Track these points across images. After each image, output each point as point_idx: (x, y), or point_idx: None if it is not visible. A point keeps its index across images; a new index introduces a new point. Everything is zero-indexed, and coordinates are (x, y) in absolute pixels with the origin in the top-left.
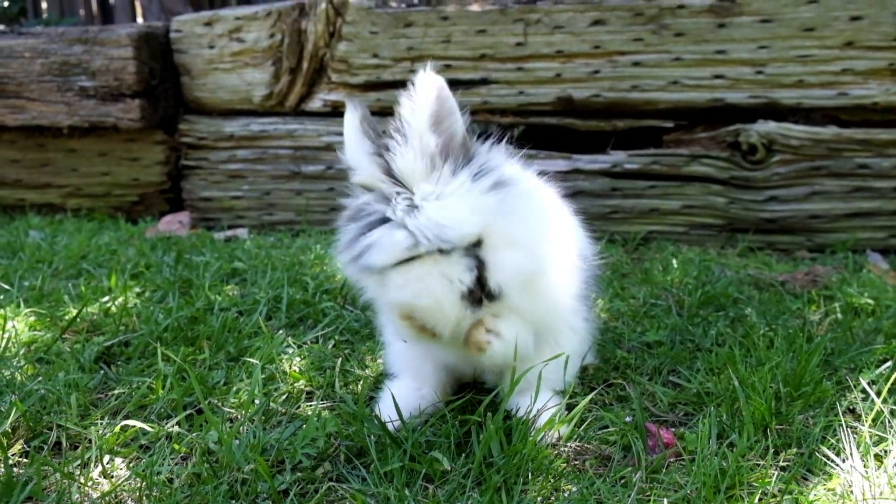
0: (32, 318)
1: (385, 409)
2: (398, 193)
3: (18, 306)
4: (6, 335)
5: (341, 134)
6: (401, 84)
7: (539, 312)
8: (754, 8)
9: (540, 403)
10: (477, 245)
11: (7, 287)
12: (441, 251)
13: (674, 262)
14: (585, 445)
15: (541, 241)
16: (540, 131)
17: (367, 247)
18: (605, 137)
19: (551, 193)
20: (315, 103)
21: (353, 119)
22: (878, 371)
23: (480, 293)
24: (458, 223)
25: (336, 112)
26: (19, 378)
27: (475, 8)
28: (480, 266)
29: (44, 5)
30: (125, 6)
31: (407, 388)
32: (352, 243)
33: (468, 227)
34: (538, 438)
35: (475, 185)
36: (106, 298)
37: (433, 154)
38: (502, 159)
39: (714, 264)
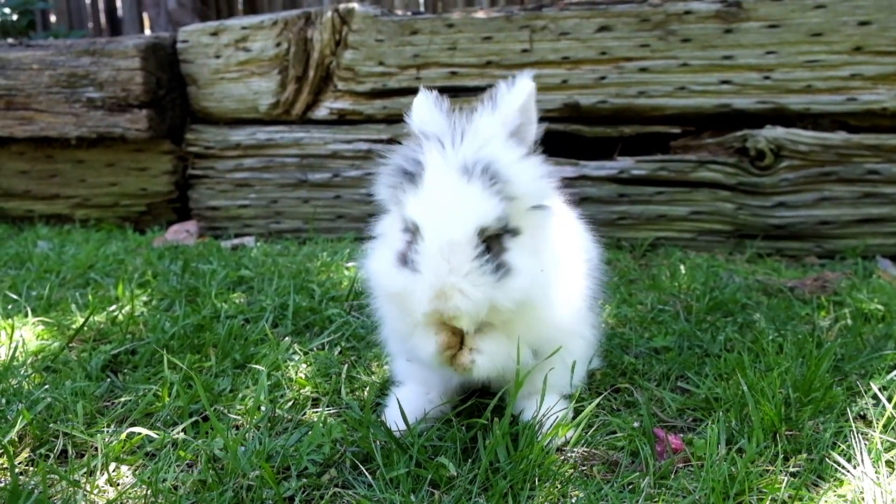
0: (40, 328)
1: (391, 416)
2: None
3: (26, 316)
4: (14, 344)
5: (348, 142)
6: (407, 91)
7: (534, 340)
8: (761, 13)
9: (546, 407)
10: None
11: (15, 297)
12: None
13: (682, 268)
14: (593, 451)
15: (555, 267)
16: (547, 138)
17: (427, 149)
18: (612, 144)
19: (568, 220)
20: (321, 111)
21: (426, 98)
22: (888, 377)
23: (491, 253)
24: (512, 177)
25: (342, 120)
26: (27, 386)
27: (481, 15)
28: (508, 238)
29: (52, 18)
30: (133, 19)
31: (413, 393)
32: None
33: (517, 186)
34: (545, 443)
35: (535, 165)
36: (113, 307)
37: (513, 130)
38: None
39: (722, 270)
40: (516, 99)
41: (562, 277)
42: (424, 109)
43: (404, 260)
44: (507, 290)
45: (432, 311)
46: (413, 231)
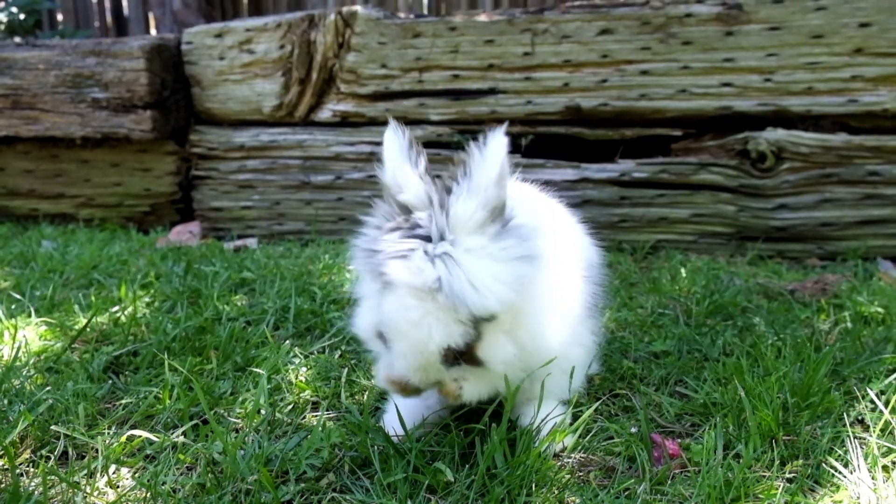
0: (43, 328)
1: (389, 421)
2: (441, 236)
3: (29, 316)
4: (17, 345)
5: (350, 144)
6: (410, 94)
7: (526, 368)
8: (762, 16)
9: (543, 413)
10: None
11: (19, 297)
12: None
13: (682, 270)
14: (590, 456)
15: (543, 326)
16: (548, 140)
17: (396, 255)
18: (614, 146)
19: (566, 226)
20: (324, 113)
21: (396, 140)
22: (887, 381)
23: (461, 358)
24: (486, 298)
25: (345, 122)
26: (29, 387)
27: (483, 18)
28: (476, 336)
29: (59, 17)
30: (139, 19)
31: (411, 398)
32: (375, 242)
33: (492, 305)
34: (542, 449)
35: (513, 263)
36: (115, 308)
37: (492, 209)
38: (534, 219)
39: (723, 273)
40: (492, 169)
41: (553, 312)
42: (398, 171)
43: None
44: (477, 387)
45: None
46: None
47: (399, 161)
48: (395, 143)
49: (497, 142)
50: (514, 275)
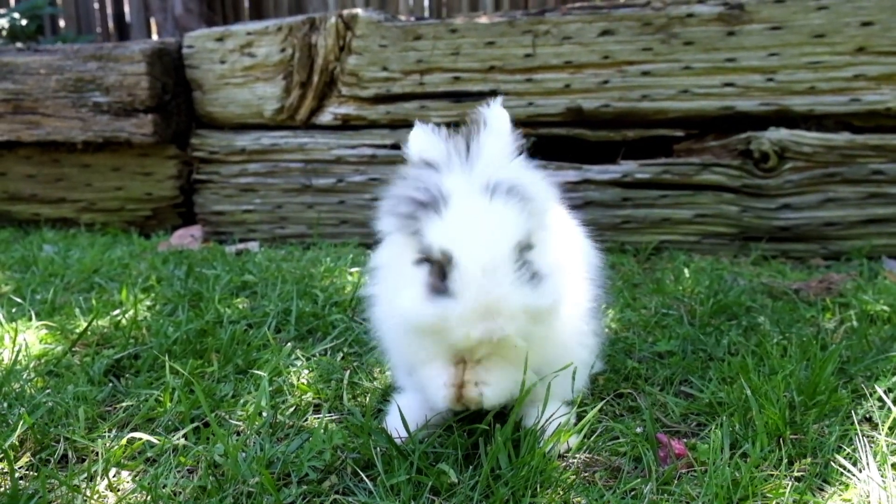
0: (44, 332)
1: (392, 422)
2: None
3: (30, 319)
4: (17, 348)
5: (352, 147)
6: (411, 97)
7: (540, 362)
8: (764, 15)
9: (548, 414)
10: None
11: (19, 300)
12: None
13: (686, 271)
14: (595, 457)
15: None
16: (550, 142)
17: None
18: (616, 147)
19: (568, 226)
20: (325, 116)
21: (424, 127)
22: (894, 379)
23: (525, 256)
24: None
25: (346, 125)
26: (29, 391)
27: (484, 20)
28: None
29: (61, 23)
30: (140, 24)
31: (414, 400)
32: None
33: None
34: (547, 449)
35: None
36: (117, 312)
37: (513, 149)
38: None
39: (727, 273)
40: (504, 119)
41: (566, 288)
42: (425, 139)
43: (436, 290)
44: (544, 295)
45: (481, 335)
46: (441, 260)
47: (428, 138)
48: (423, 131)
49: (496, 105)
50: (546, 187)
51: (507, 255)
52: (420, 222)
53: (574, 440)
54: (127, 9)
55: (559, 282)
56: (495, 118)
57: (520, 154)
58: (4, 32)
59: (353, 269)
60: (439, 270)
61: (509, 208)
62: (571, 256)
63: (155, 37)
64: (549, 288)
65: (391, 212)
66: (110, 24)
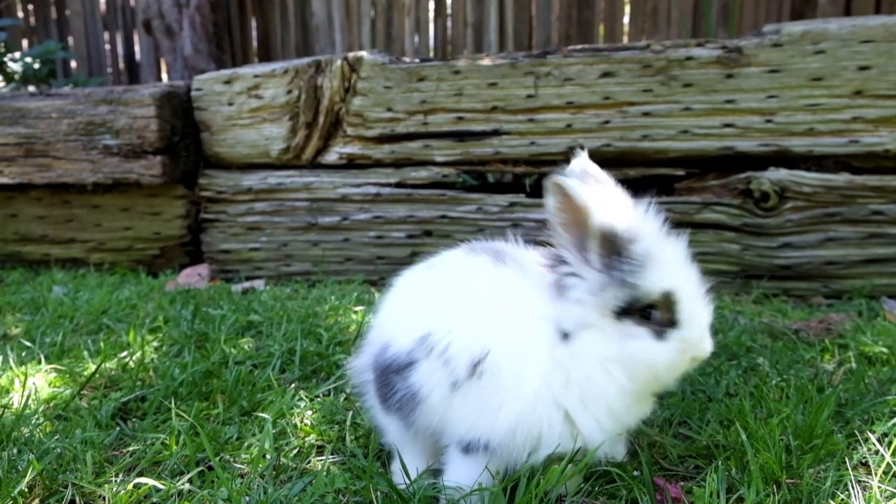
0: (52, 375)
1: (395, 467)
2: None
3: (39, 363)
4: (27, 392)
5: (356, 185)
6: (415, 136)
7: None
8: (762, 59)
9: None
10: None
11: (29, 344)
12: None
13: None
14: (592, 501)
15: None
16: None
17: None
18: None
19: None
20: (331, 156)
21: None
22: (891, 423)
23: None
24: None
25: (351, 164)
26: (38, 436)
27: (486, 62)
28: None
29: (73, 64)
30: (151, 65)
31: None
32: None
33: None
34: (545, 491)
35: None
36: (124, 353)
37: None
38: None
39: (728, 311)
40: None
41: None
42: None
43: (661, 333)
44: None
45: (707, 349)
46: (662, 302)
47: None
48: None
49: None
50: None
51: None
52: (626, 274)
53: (574, 483)
54: (137, 50)
55: None
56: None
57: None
58: (17, 77)
59: (358, 308)
60: (659, 312)
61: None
62: None
63: (165, 77)
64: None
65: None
66: (121, 65)
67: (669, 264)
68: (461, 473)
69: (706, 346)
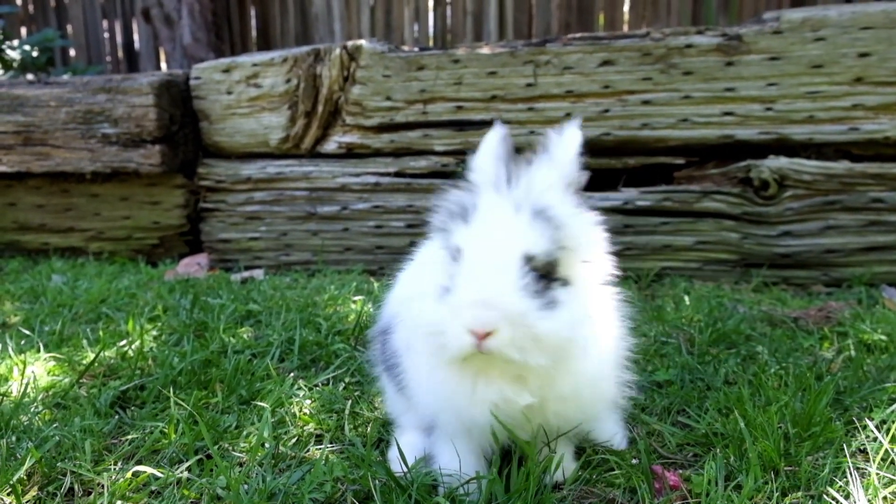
0: (52, 363)
1: (393, 455)
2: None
3: (38, 351)
4: (26, 380)
5: (356, 175)
6: (414, 125)
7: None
8: (762, 46)
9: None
10: None
11: (28, 332)
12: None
13: (686, 298)
14: (590, 489)
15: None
16: None
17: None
18: (617, 175)
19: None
20: (330, 145)
21: (496, 135)
22: (889, 410)
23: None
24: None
25: (351, 154)
26: (37, 424)
27: (486, 51)
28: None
29: (72, 53)
30: (150, 53)
31: (415, 438)
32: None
33: (570, 234)
34: (540, 472)
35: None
36: (123, 342)
37: (567, 183)
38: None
39: (727, 300)
40: (570, 149)
41: (604, 340)
42: (482, 162)
43: (446, 290)
44: (555, 321)
45: (470, 322)
46: (456, 257)
47: (489, 154)
48: (492, 138)
49: (573, 130)
50: (591, 226)
51: (514, 261)
52: (453, 226)
53: (570, 472)
54: (136, 38)
55: (580, 317)
56: (557, 146)
57: (575, 186)
58: (16, 65)
59: (357, 298)
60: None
61: (530, 225)
62: (606, 307)
63: (164, 66)
64: (562, 317)
65: (435, 221)
66: (120, 54)
67: (479, 230)
68: (443, 456)
69: (455, 323)
